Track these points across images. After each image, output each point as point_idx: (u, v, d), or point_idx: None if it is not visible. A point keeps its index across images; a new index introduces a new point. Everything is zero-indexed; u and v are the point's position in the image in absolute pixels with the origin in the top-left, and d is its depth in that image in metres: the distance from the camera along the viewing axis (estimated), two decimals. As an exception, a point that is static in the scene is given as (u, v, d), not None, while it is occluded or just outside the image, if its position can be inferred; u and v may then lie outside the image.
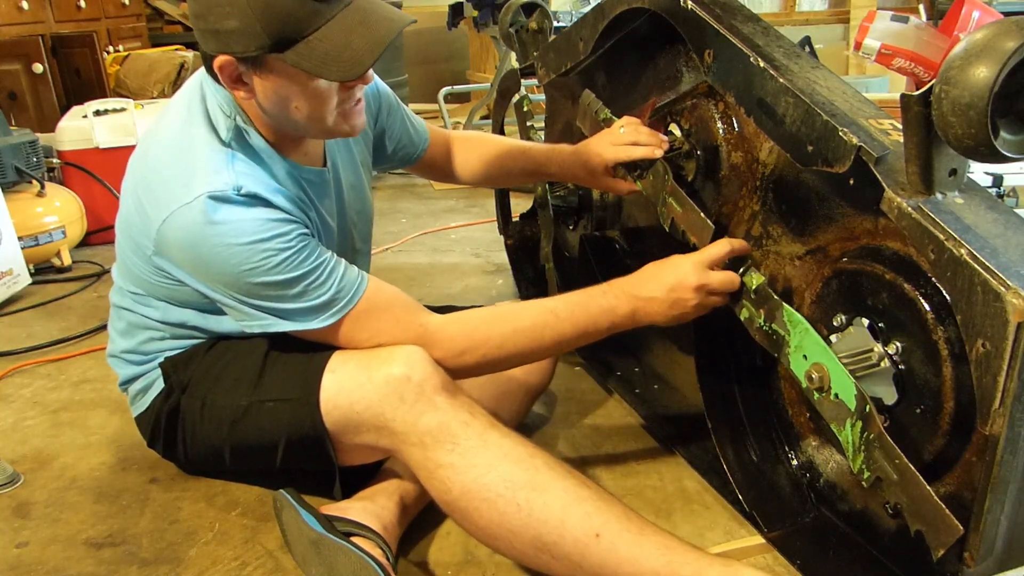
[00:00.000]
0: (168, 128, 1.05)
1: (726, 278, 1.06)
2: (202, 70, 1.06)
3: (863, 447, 0.89)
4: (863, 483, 0.90)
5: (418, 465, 0.99)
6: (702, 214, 1.13)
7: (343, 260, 1.04)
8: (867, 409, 0.88)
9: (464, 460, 0.96)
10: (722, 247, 1.07)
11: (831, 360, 0.92)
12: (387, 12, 0.96)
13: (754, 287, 1.03)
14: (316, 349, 1.06)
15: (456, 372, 1.06)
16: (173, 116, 1.06)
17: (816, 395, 0.94)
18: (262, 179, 1.00)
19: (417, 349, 1.02)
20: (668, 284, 1.06)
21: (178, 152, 1.01)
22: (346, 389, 1.01)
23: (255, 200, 0.97)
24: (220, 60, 0.94)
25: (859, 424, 0.89)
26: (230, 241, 0.96)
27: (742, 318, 1.06)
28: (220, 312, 1.08)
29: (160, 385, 1.16)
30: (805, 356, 0.96)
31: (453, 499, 0.97)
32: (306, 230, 1.01)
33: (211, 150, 1.00)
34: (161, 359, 1.16)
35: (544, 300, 1.11)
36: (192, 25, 0.96)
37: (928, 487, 0.82)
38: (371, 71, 0.99)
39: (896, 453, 0.85)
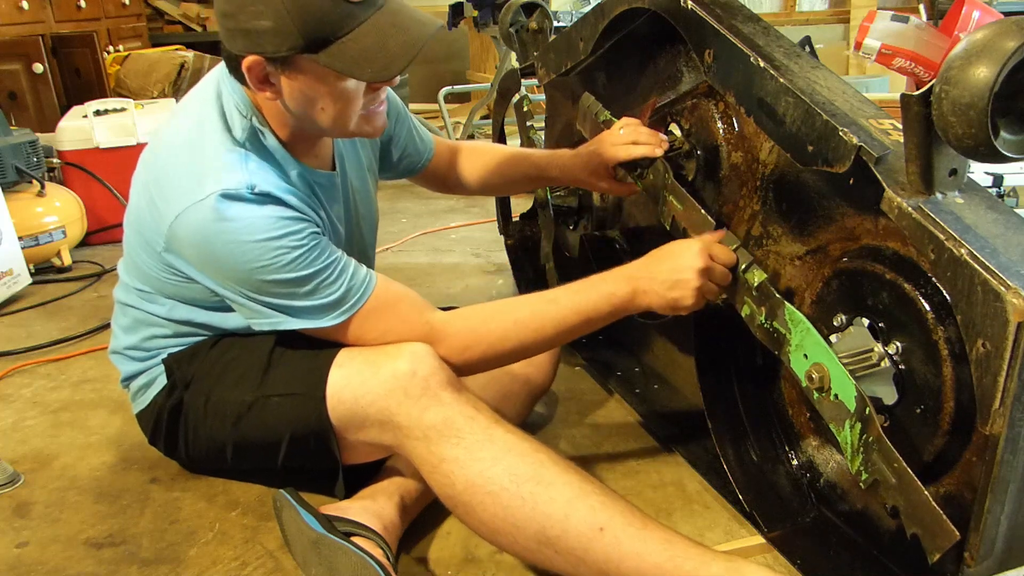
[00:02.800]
0: (182, 126, 1.06)
1: (724, 271, 1.06)
2: (219, 69, 1.06)
3: (862, 449, 0.89)
4: (860, 484, 0.90)
5: (422, 460, 1.00)
6: (703, 211, 1.13)
7: (352, 259, 1.04)
8: (867, 411, 0.88)
9: (469, 454, 0.96)
10: (727, 252, 1.07)
11: (831, 360, 0.92)
12: (418, 16, 0.97)
13: (756, 284, 1.03)
14: (322, 345, 1.06)
15: (462, 368, 1.06)
16: (187, 114, 1.06)
17: (816, 395, 0.94)
18: (274, 179, 1.00)
19: (423, 346, 1.03)
20: (671, 265, 1.05)
21: (191, 150, 1.01)
22: (352, 384, 1.02)
23: (267, 198, 0.98)
24: (249, 60, 0.93)
25: (858, 426, 0.89)
26: (242, 238, 0.96)
27: (743, 315, 1.06)
28: (227, 309, 1.09)
29: (162, 382, 1.17)
30: (806, 355, 0.96)
31: (457, 493, 0.97)
32: (317, 229, 1.02)
33: (225, 149, 1.00)
34: (164, 356, 1.16)
35: (545, 291, 1.11)
36: (219, 24, 0.95)
37: (926, 492, 0.82)
38: None
39: (895, 457, 0.85)
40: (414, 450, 1.00)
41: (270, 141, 1.04)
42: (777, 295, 1.01)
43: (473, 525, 0.99)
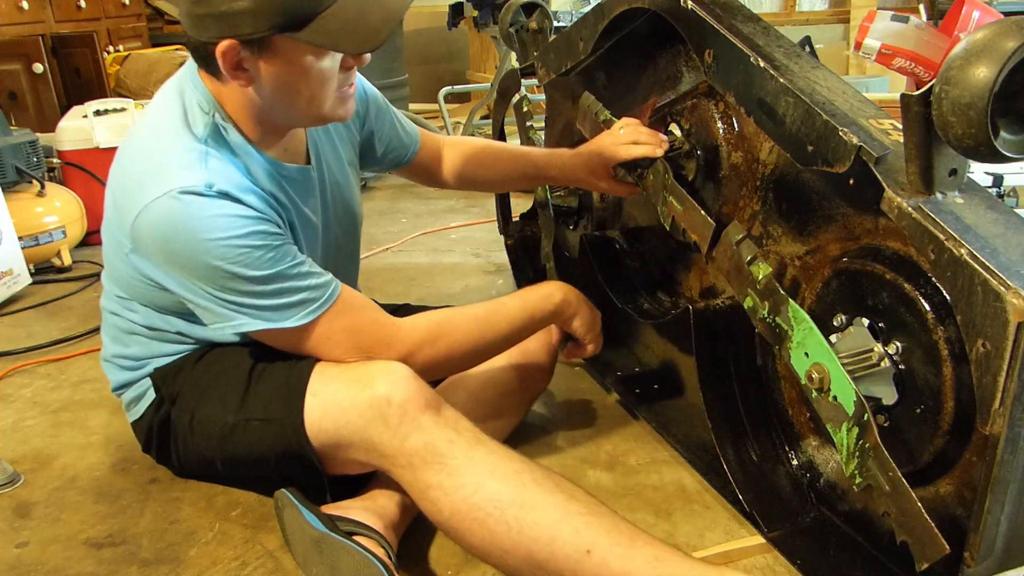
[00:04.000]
0: (144, 128, 1.06)
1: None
2: (183, 69, 1.06)
3: (857, 454, 0.88)
4: (854, 487, 0.89)
5: (409, 486, 0.99)
6: (702, 212, 1.13)
7: (316, 264, 1.04)
8: (865, 417, 0.87)
9: (452, 480, 0.95)
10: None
11: (833, 362, 0.92)
12: None
13: (759, 278, 1.03)
14: (299, 364, 1.05)
15: (425, 366, 1.07)
16: (150, 116, 1.06)
17: (815, 394, 0.94)
18: (235, 178, 1.00)
19: (398, 366, 1.02)
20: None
21: (151, 150, 1.01)
22: (331, 414, 1.01)
23: (226, 197, 0.97)
24: (223, 46, 0.93)
25: (855, 430, 0.88)
26: (203, 236, 0.96)
27: (746, 306, 1.06)
28: (198, 318, 1.08)
29: (152, 395, 1.16)
30: (807, 354, 0.96)
31: (445, 519, 0.97)
32: (279, 230, 1.01)
33: (184, 148, 0.99)
34: (151, 366, 1.16)
35: (492, 299, 1.20)
36: (187, 13, 0.94)
37: (919, 504, 0.82)
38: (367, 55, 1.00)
39: (890, 466, 0.85)
40: (401, 477, 1.00)
41: (233, 137, 1.03)
42: (781, 291, 1.01)
43: (464, 548, 0.99)
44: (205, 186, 0.96)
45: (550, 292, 1.22)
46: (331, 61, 0.97)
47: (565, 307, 1.23)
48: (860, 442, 0.88)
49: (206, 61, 0.97)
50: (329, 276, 1.04)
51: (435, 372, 1.10)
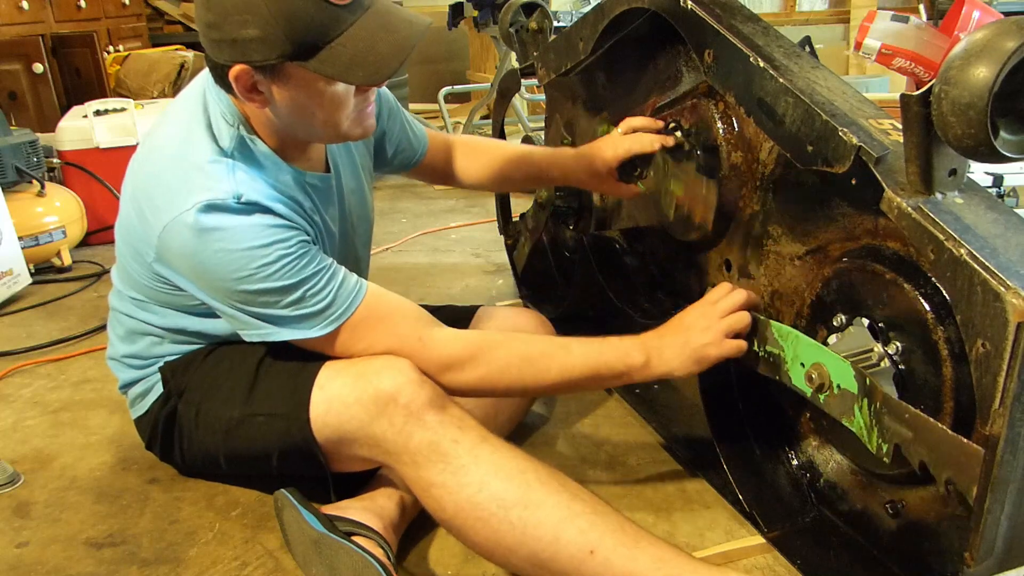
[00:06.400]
0: (169, 136, 1.05)
1: (739, 319, 1.05)
2: (203, 76, 1.05)
3: (875, 422, 0.88)
4: (885, 460, 0.88)
5: (412, 483, 1.00)
6: (704, 179, 1.13)
7: (343, 268, 1.03)
8: (867, 383, 0.88)
9: (455, 479, 0.95)
10: (738, 297, 1.06)
11: (824, 354, 0.92)
12: (406, 15, 0.97)
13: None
14: (309, 358, 1.05)
15: (451, 388, 1.04)
16: (174, 123, 1.06)
17: (822, 397, 0.94)
18: (263, 189, 1.00)
19: (404, 363, 1.01)
20: (685, 340, 1.06)
21: (179, 161, 1.00)
22: (335, 409, 1.01)
23: (255, 208, 0.97)
24: (236, 70, 0.93)
25: (865, 402, 0.88)
26: (229, 247, 0.96)
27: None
28: (220, 317, 1.08)
29: (159, 390, 1.16)
30: (803, 364, 0.96)
31: (448, 517, 0.97)
32: (307, 237, 1.01)
33: (212, 160, 0.99)
34: (161, 363, 1.16)
35: (560, 338, 1.12)
36: (203, 35, 0.94)
37: (940, 424, 0.81)
38: None
39: (902, 406, 0.84)
40: (404, 473, 1.00)
41: (260, 148, 1.03)
42: (761, 318, 1.02)
43: (468, 545, 0.99)
44: (233, 197, 0.96)
45: (630, 351, 1.06)
46: (344, 86, 0.97)
47: (642, 372, 1.06)
48: (872, 408, 0.88)
49: (223, 81, 0.97)
50: (354, 279, 1.03)
51: (456, 394, 1.04)
